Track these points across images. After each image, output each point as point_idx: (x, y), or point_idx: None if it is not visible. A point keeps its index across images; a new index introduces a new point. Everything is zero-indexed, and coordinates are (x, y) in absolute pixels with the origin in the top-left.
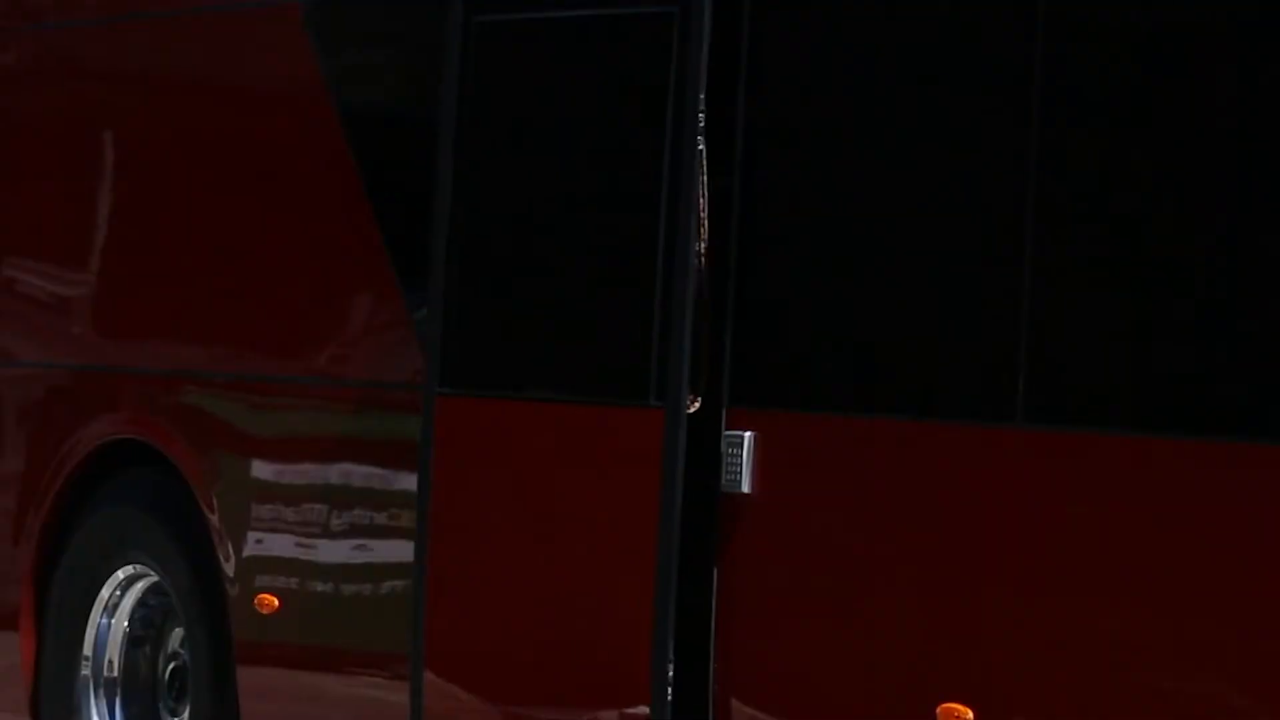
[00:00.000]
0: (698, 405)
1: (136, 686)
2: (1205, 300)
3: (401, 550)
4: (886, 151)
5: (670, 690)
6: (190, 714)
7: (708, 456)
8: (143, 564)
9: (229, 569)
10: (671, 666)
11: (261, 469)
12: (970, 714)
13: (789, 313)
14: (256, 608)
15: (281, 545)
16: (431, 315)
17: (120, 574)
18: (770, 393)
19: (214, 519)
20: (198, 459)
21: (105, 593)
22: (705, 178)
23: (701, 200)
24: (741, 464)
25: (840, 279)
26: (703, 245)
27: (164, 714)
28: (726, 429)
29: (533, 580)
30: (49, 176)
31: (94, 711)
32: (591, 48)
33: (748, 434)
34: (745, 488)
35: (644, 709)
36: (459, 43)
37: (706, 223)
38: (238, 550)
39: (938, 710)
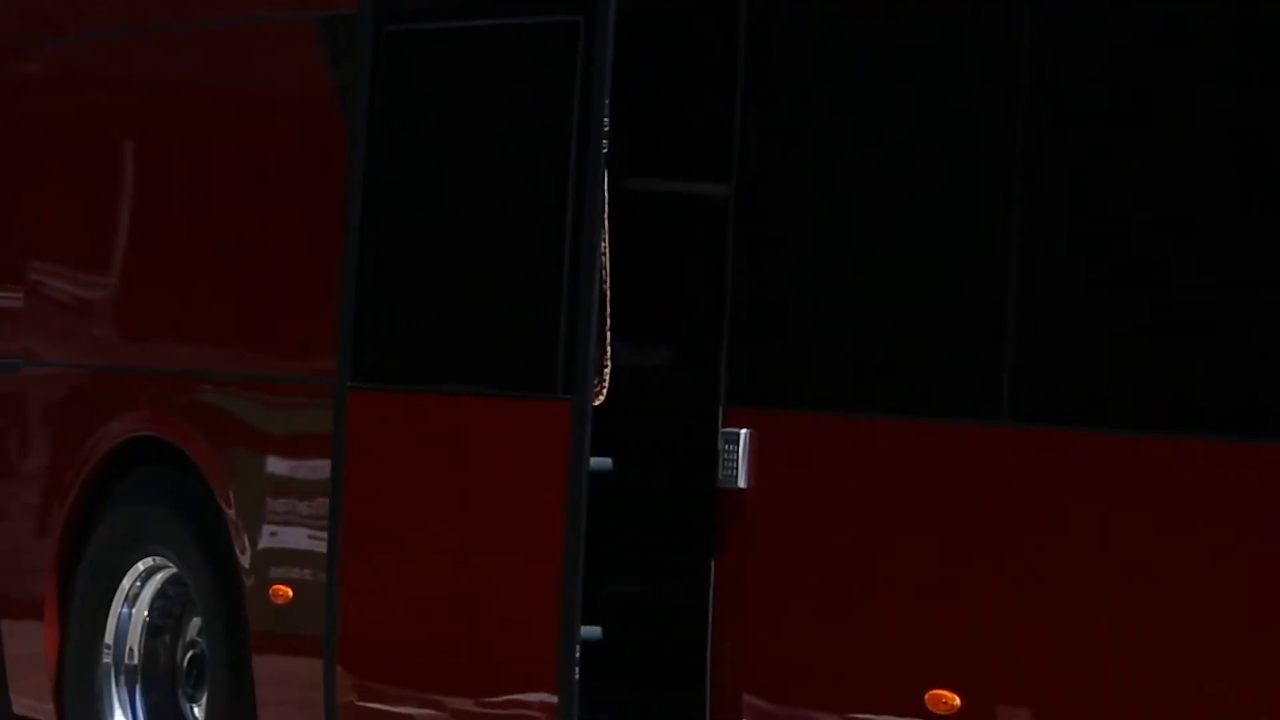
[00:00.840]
0: (604, 397)
1: (156, 674)
2: (1187, 303)
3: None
4: (878, 158)
5: (578, 676)
6: (208, 701)
7: (706, 453)
8: (162, 556)
9: (245, 561)
10: (579, 651)
11: (276, 465)
12: (958, 700)
13: (784, 315)
14: (271, 598)
15: (295, 538)
16: (344, 312)
17: (140, 566)
18: (766, 392)
19: (230, 513)
20: (214, 455)
21: (126, 584)
22: (608, 180)
23: (604, 201)
24: (738, 460)
25: (833, 283)
26: (606, 244)
27: (182, 701)
28: (723, 426)
29: (445, 570)
30: (71, 184)
31: (115, 698)
32: (499, 56)
33: (744, 431)
34: (741, 483)
35: (552, 698)
36: (369, 51)
37: (608, 222)
38: (253, 543)
39: (926, 696)
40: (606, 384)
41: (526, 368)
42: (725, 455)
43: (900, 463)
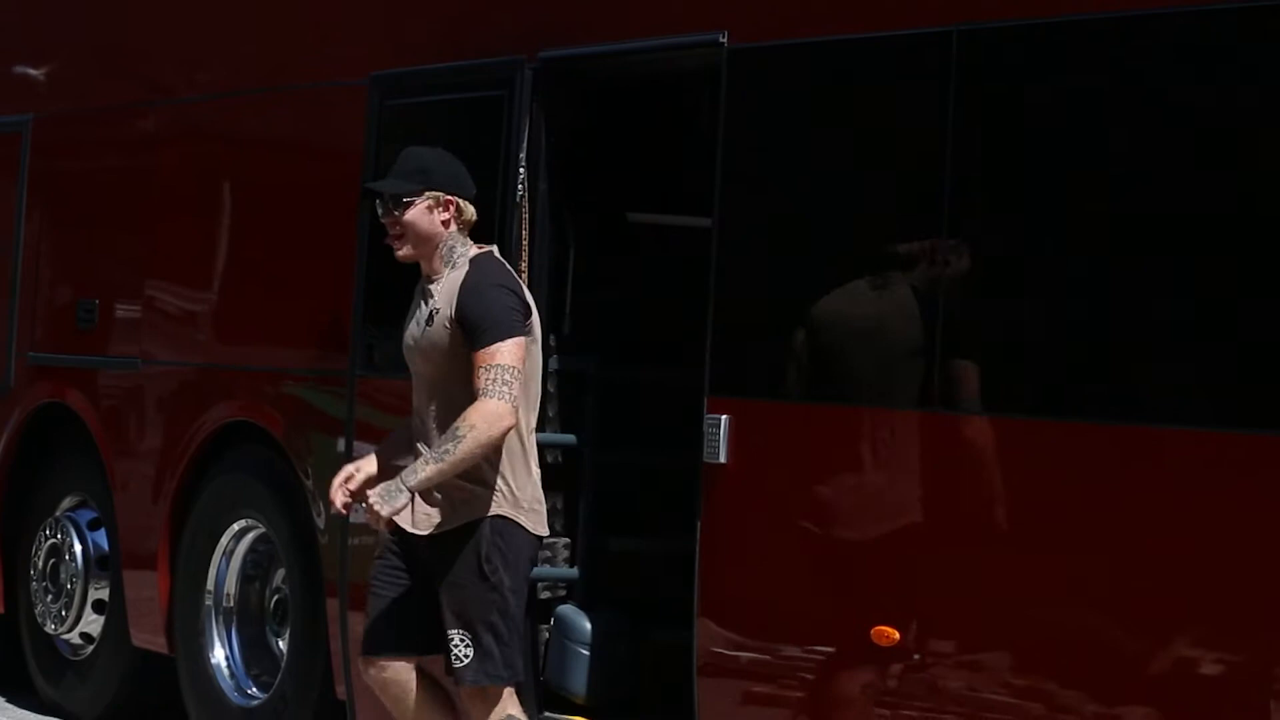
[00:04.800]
0: None
1: (248, 614)
2: (1091, 310)
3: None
4: (830, 195)
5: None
6: (290, 635)
7: (694, 433)
8: (253, 519)
9: (320, 523)
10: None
11: (344, 444)
12: (897, 634)
13: (757, 322)
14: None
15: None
16: (355, 315)
17: (235, 526)
18: (743, 383)
19: (309, 484)
20: (296, 437)
21: (224, 541)
22: (527, 215)
23: (523, 229)
24: (720, 440)
25: (797, 295)
26: (524, 267)
27: (270, 636)
28: (708, 412)
29: None
30: (181, 218)
31: (215, 634)
32: (454, 120)
33: (724, 416)
34: (722, 459)
35: None
36: (375, 118)
37: (527, 245)
38: (327, 508)
39: (872, 631)
40: None
41: None
42: (709, 436)
43: (852, 441)
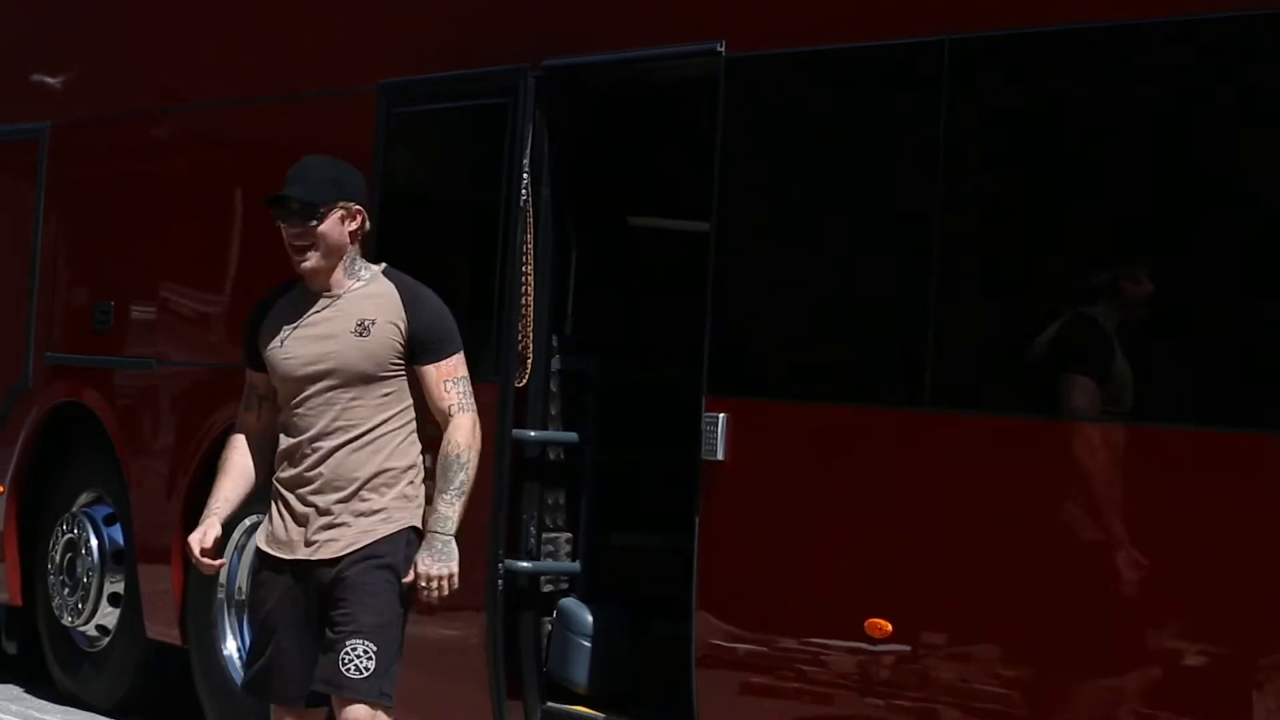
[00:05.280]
0: (526, 380)
1: None
2: (1066, 314)
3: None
4: (825, 202)
5: (501, 588)
6: None
7: (693, 431)
8: (263, 514)
9: None
10: (503, 570)
11: None
12: (889, 626)
13: (753, 325)
14: None
15: None
16: None
17: (246, 521)
18: (739, 384)
19: None
20: None
21: (235, 535)
22: (531, 219)
23: (527, 232)
24: (717, 438)
25: (789, 300)
26: (529, 270)
27: None
28: (705, 411)
29: None
30: (194, 222)
31: (227, 626)
32: (460, 127)
33: (721, 415)
34: (720, 456)
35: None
36: (384, 125)
37: (531, 252)
38: None
39: (865, 624)
40: (528, 372)
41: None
42: (707, 434)
43: (844, 438)
